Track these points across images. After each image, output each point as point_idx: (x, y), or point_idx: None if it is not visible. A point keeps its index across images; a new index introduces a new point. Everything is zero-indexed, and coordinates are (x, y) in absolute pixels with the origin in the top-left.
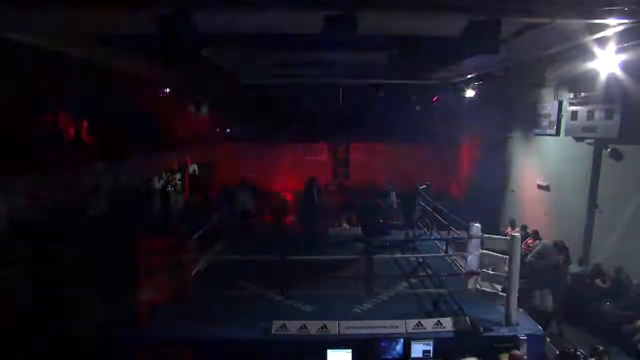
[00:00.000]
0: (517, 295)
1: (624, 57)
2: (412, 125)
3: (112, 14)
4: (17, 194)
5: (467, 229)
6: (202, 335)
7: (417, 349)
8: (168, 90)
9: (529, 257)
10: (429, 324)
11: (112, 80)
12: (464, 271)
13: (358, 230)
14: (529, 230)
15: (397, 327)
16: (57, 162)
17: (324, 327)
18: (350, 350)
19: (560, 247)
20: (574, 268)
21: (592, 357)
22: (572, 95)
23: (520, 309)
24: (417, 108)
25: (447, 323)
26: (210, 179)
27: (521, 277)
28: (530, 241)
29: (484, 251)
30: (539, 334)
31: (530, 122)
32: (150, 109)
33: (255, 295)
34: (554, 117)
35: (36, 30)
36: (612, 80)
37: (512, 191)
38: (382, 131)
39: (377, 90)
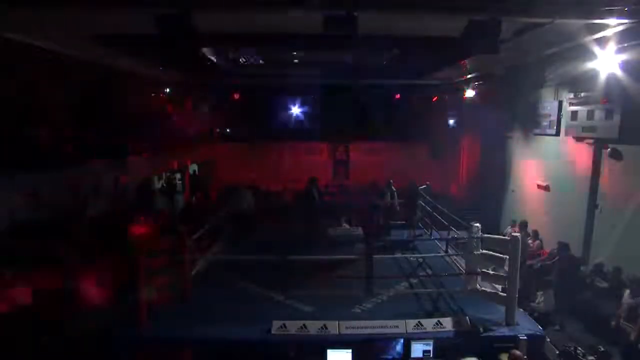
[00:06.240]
0: (517, 295)
1: (624, 57)
2: (412, 125)
3: (112, 14)
4: (18, 193)
5: (467, 229)
6: (202, 335)
7: (417, 349)
8: (168, 90)
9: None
10: (429, 324)
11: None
12: (464, 271)
13: (358, 230)
14: (529, 230)
15: (397, 327)
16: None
17: (324, 327)
18: (350, 350)
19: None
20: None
21: (592, 356)
22: (572, 95)
23: (520, 309)
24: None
25: (447, 323)
26: (211, 179)
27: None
28: (530, 241)
29: (484, 251)
30: (539, 334)
31: (530, 122)
32: (149, 109)
33: (255, 295)
34: (554, 117)
35: (37, 30)
36: (612, 80)
37: (512, 191)
38: (382, 131)
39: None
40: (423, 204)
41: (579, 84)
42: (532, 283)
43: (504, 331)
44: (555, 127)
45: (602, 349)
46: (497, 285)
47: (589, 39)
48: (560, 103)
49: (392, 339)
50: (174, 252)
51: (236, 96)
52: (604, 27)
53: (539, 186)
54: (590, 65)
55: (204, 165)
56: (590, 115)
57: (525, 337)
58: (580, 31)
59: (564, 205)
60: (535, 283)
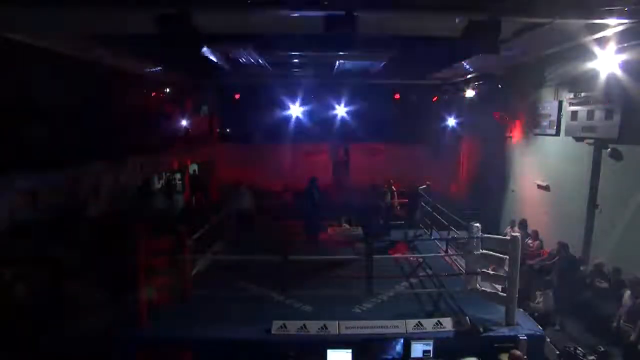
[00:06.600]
0: (517, 295)
1: (624, 57)
2: (412, 125)
3: (112, 14)
4: (18, 193)
5: (467, 229)
6: (202, 335)
7: (417, 349)
8: (168, 90)
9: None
10: (429, 324)
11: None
12: (464, 271)
13: (358, 230)
14: (529, 230)
15: (397, 327)
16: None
17: (324, 327)
18: (350, 350)
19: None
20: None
21: (592, 356)
22: (572, 95)
23: (520, 309)
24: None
25: (447, 323)
26: (210, 179)
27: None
28: (530, 242)
29: (484, 251)
30: (539, 334)
31: (530, 122)
32: (148, 109)
33: (255, 295)
34: (554, 117)
35: (37, 30)
36: (612, 80)
37: (512, 191)
38: (382, 131)
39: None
40: (423, 204)
41: (579, 84)
42: (532, 283)
43: (504, 331)
44: (555, 127)
45: (602, 349)
46: (497, 285)
47: (589, 39)
48: (560, 103)
49: (392, 339)
50: (174, 252)
51: (236, 96)
52: (604, 27)
53: (539, 186)
54: (590, 65)
55: (204, 165)
56: (590, 115)
57: (525, 337)
58: (580, 31)
59: (564, 205)
60: (535, 283)
